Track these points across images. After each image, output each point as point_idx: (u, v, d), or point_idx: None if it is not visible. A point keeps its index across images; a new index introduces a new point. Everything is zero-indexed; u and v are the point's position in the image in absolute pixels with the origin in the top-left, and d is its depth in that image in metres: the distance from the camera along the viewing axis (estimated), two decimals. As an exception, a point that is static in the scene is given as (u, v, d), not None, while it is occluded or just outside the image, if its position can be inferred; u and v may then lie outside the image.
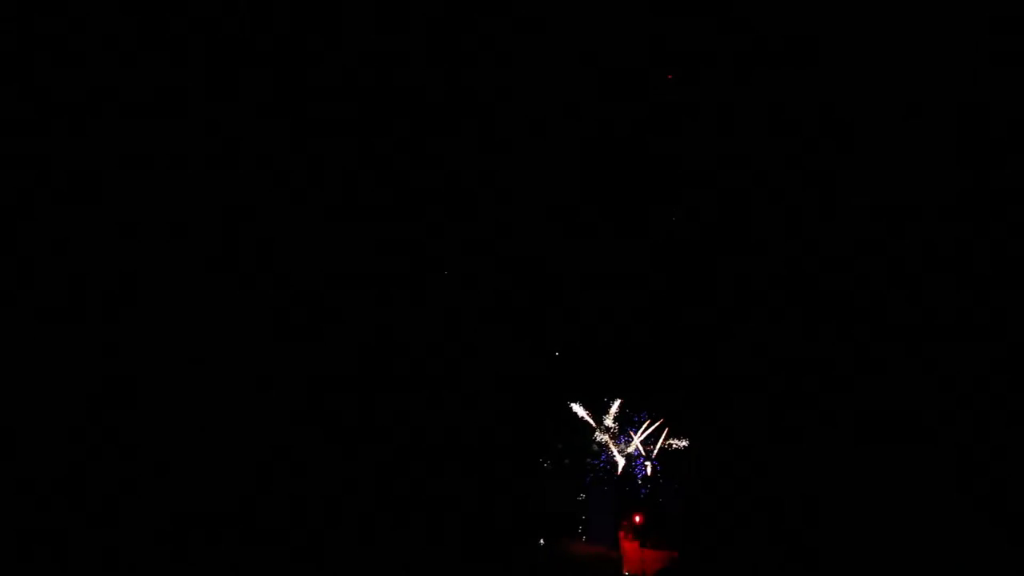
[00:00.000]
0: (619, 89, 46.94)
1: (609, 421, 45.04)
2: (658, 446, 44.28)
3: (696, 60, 46.12)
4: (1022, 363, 40.21)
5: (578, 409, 45.20)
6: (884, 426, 41.49)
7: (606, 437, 44.98)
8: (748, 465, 42.86)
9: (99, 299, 43.15)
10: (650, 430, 44.65)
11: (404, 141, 46.99)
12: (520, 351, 45.88)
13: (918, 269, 43.27)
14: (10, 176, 42.82)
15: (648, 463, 43.80)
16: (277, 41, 45.48)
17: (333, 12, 45.93)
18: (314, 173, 46.59)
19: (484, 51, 46.31)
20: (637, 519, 44.04)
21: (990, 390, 40.71)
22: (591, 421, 45.26)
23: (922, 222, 43.41)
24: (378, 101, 47.01)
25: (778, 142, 45.43)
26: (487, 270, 46.77)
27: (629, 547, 42.66)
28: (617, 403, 45.25)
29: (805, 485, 41.65)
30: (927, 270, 43.02)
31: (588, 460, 44.45)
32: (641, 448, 44.57)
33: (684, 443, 44.06)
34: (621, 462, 44.56)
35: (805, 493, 41.53)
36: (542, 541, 43.42)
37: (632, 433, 44.74)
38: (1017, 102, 42.22)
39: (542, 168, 46.55)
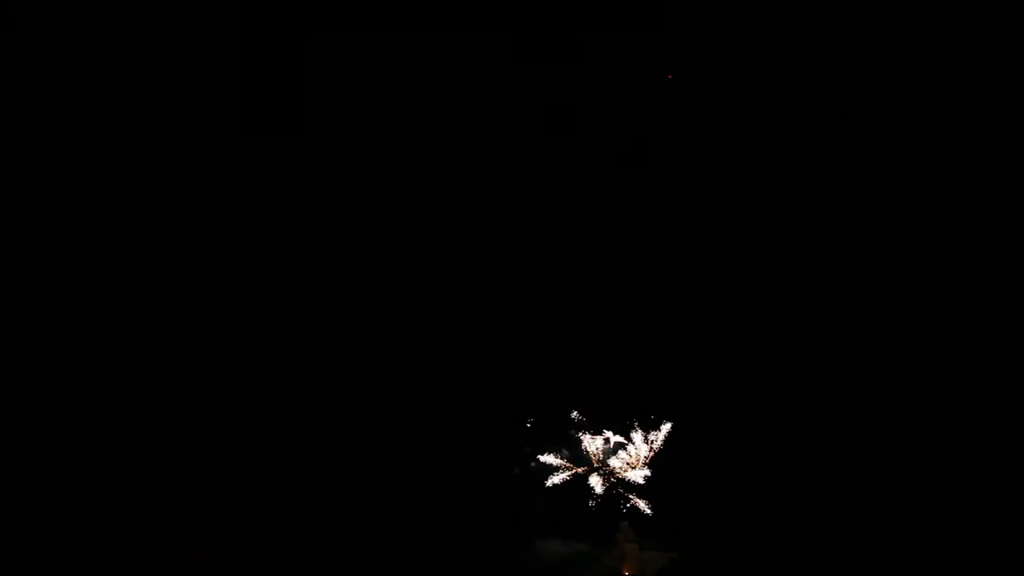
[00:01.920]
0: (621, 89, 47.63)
1: (606, 424, 45.25)
2: (656, 448, 44.58)
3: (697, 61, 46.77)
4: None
5: (573, 414, 45.41)
6: (883, 426, 41.27)
7: (602, 440, 45.22)
8: (747, 466, 42.54)
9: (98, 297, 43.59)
10: (648, 432, 45.02)
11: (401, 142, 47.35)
12: (516, 353, 45.49)
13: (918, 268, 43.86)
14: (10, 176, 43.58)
15: (646, 465, 43.82)
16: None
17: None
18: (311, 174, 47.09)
19: (485, 52, 46.81)
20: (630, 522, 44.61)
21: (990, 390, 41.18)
22: (586, 425, 45.46)
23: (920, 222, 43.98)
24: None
25: (778, 140, 46.02)
26: (483, 272, 46.79)
27: (629, 547, 42.60)
28: (613, 405, 45.07)
29: (804, 485, 41.34)
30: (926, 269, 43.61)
31: (586, 463, 44.21)
32: (639, 450, 44.93)
33: (683, 445, 43.91)
34: (619, 464, 44.87)
35: (804, 493, 41.24)
36: (542, 542, 43.87)
37: (630, 435, 45.01)
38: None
39: (538, 173, 46.40)
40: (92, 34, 42.95)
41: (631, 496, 43.96)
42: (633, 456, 43.98)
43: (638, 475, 43.54)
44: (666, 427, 43.64)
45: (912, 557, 38.00)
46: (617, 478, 43.62)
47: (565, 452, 44.40)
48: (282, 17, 44.68)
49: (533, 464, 44.32)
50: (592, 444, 44.09)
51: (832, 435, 41.19)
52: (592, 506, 43.74)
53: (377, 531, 41.67)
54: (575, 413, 44.39)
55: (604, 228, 46.20)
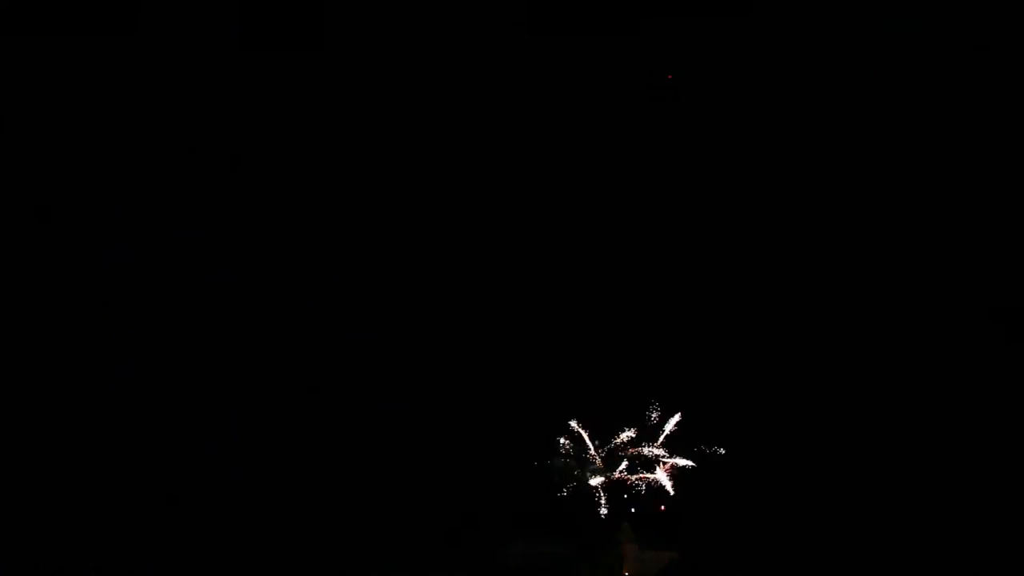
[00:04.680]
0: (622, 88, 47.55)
1: (607, 424, 45.09)
2: (657, 450, 44.42)
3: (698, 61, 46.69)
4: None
5: (576, 421, 44.61)
6: (883, 426, 41.15)
7: (601, 446, 44.72)
8: (747, 466, 42.54)
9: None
10: (650, 433, 44.88)
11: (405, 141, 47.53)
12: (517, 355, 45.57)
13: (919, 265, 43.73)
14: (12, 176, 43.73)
15: (647, 466, 43.54)
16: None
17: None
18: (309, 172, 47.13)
19: (488, 51, 46.64)
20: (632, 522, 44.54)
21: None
22: (586, 426, 44.96)
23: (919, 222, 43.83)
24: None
25: (779, 139, 45.79)
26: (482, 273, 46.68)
27: (629, 547, 42.52)
28: (613, 405, 44.81)
29: (805, 486, 41.29)
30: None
31: (588, 465, 44.09)
32: (640, 452, 44.69)
33: (682, 445, 43.65)
34: (622, 466, 44.90)
35: (805, 493, 41.16)
36: (543, 541, 43.39)
37: (630, 436, 44.39)
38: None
39: (540, 173, 46.43)
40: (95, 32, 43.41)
41: (631, 496, 44.02)
42: (634, 457, 43.91)
43: (639, 476, 43.48)
44: (667, 427, 43.65)
45: (912, 557, 37.97)
46: (618, 479, 43.78)
47: (567, 453, 44.61)
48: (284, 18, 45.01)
49: (535, 465, 44.30)
50: (593, 445, 44.20)
51: (832, 435, 41.09)
52: (593, 506, 43.79)
53: (379, 530, 41.78)
54: (576, 418, 44.42)
55: (603, 227, 46.38)
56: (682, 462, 43.76)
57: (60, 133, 42.65)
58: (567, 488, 44.42)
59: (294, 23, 44.46)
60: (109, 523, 39.75)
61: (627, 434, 44.27)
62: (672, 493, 43.69)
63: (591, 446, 44.12)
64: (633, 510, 44.18)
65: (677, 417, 43.77)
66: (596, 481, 44.00)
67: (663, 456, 44.10)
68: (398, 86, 44.95)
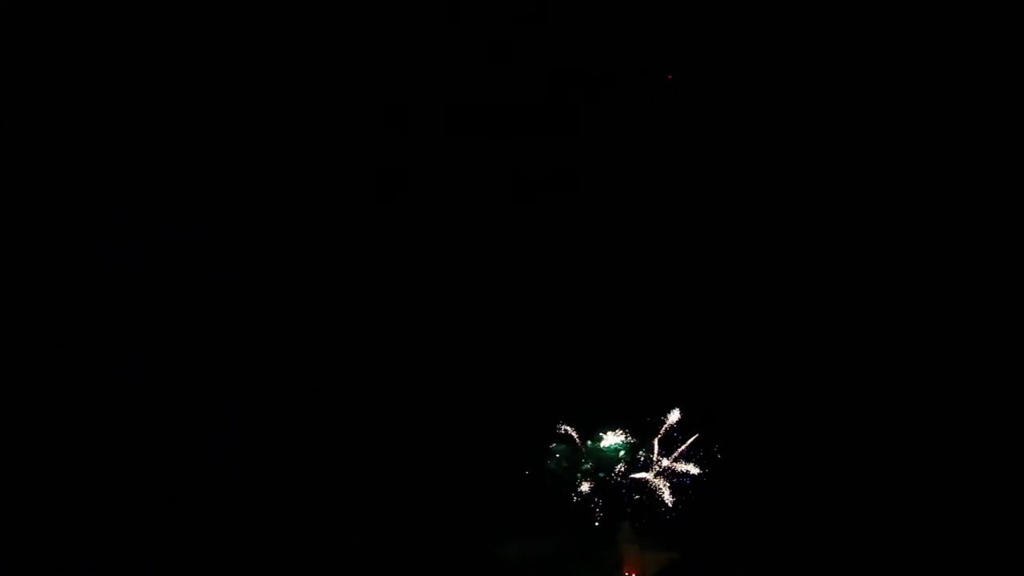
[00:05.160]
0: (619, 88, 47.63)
1: (606, 424, 44.69)
2: (656, 449, 44.38)
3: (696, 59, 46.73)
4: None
5: (570, 426, 44.41)
6: (884, 426, 41.01)
7: (604, 440, 44.87)
8: (748, 466, 42.44)
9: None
10: (648, 432, 44.62)
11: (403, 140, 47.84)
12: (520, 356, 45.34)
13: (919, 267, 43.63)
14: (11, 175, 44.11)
15: (647, 465, 43.42)
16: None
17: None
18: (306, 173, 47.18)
19: (484, 49, 46.85)
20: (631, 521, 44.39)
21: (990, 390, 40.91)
22: (585, 425, 44.67)
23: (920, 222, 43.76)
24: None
25: (778, 140, 45.92)
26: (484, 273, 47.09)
27: (629, 548, 42.16)
28: (612, 405, 44.55)
29: (805, 485, 41.14)
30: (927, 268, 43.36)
31: (587, 463, 43.84)
32: (639, 451, 44.55)
33: (685, 445, 43.46)
34: (620, 466, 44.69)
35: (805, 493, 41.02)
36: (540, 542, 43.56)
37: (629, 435, 44.17)
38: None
39: (538, 174, 46.07)
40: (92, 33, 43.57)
41: (630, 496, 43.74)
42: (633, 457, 43.73)
43: (638, 475, 43.35)
44: (664, 426, 43.43)
45: (913, 558, 37.89)
46: (617, 478, 43.54)
47: (564, 453, 44.42)
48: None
49: (533, 465, 43.98)
50: (588, 446, 43.91)
51: (833, 435, 40.98)
52: (591, 507, 43.55)
53: (376, 530, 41.68)
54: (573, 419, 44.18)
55: (602, 228, 46.47)
56: (680, 465, 44.02)
57: (60, 133, 42.89)
58: (564, 489, 44.80)
59: (296, 23, 44.74)
60: (109, 523, 40.13)
61: (625, 435, 44.81)
62: (670, 494, 44.06)
63: (586, 447, 44.50)
64: (631, 511, 44.52)
65: (676, 416, 44.32)
66: (593, 482, 44.33)
67: (661, 456, 44.43)
68: (398, 85, 45.04)
